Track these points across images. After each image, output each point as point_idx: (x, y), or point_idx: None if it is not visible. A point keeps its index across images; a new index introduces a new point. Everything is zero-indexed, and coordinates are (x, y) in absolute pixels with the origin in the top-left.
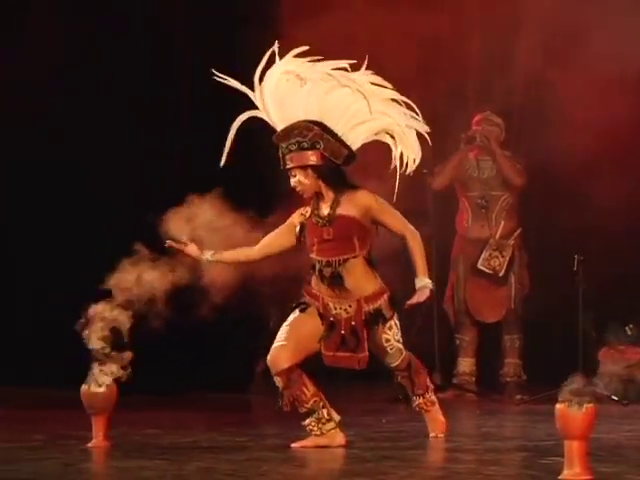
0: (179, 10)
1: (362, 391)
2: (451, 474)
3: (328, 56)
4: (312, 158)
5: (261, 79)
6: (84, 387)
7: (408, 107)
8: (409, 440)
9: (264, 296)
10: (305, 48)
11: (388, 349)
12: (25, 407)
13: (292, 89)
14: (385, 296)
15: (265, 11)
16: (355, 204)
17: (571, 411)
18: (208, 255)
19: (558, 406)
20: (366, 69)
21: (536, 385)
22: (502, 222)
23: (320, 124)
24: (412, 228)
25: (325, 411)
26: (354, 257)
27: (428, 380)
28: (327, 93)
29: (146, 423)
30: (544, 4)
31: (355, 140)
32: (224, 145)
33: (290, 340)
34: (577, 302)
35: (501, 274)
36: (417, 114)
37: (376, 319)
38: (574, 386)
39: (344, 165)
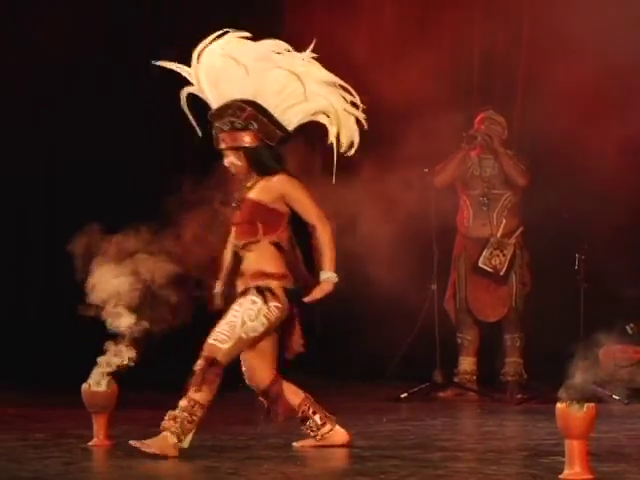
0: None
1: (363, 390)
2: (452, 473)
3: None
4: (245, 139)
5: (200, 58)
6: (85, 386)
7: (346, 91)
8: (410, 439)
9: None
10: (247, 34)
11: (231, 310)
12: (27, 405)
13: (228, 68)
14: (277, 282)
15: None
16: (269, 189)
17: (572, 410)
18: (219, 289)
19: (559, 405)
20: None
21: (537, 384)
22: (503, 221)
23: (254, 104)
24: (325, 220)
25: (317, 416)
26: (256, 242)
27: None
28: (263, 73)
29: (147, 422)
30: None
31: (290, 121)
32: None
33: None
34: (578, 301)
35: (502, 273)
36: (355, 97)
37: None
38: (575, 385)
39: (279, 146)
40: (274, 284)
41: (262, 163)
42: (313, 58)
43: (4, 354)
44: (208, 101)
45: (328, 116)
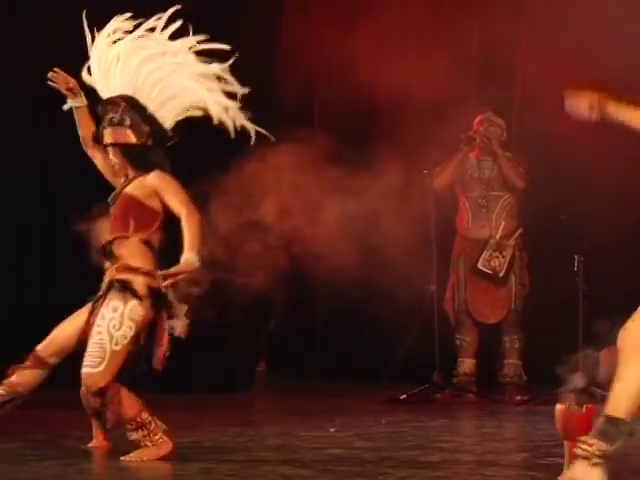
0: None
1: (362, 392)
2: (451, 475)
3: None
4: (120, 135)
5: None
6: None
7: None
8: (409, 441)
9: (265, 297)
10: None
11: (94, 328)
12: (26, 406)
13: (115, 62)
14: (142, 278)
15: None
16: (143, 185)
17: (571, 412)
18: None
19: (558, 407)
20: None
21: (536, 386)
22: (503, 222)
23: (129, 99)
24: (193, 209)
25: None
26: (126, 238)
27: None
28: (139, 66)
29: None
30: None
31: (167, 117)
32: None
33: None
34: (577, 303)
35: (501, 274)
36: (233, 86)
37: (110, 289)
38: (574, 387)
39: (158, 143)
40: (138, 279)
41: (136, 160)
42: (204, 51)
43: (3, 354)
44: (100, 93)
45: (204, 110)
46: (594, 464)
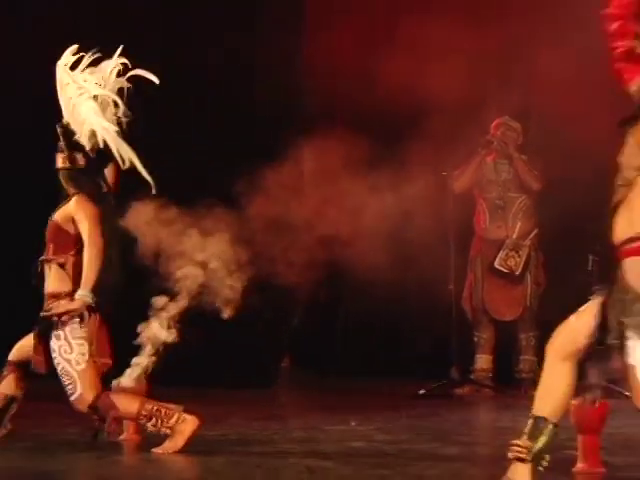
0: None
1: (382, 387)
2: (468, 467)
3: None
4: (58, 161)
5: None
6: (114, 382)
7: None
8: (427, 434)
9: (287, 295)
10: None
11: (55, 363)
12: (60, 400)
13: (63, 89)
14: (62, 301)
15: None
16: (64, 210)
17: (585, 407)
18: None
19: (572, 402)
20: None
21: None
22: (519, 223)
23: (63, 125)
24: (93, 241)
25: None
26: (47, 261)
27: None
28: (66, 93)
29: None
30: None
31: (86, 142)
32: None
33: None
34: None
35: (517, 273)
36: (119, 109)
37: (44, 322)
38: (588, 382)
39: (87, 167)
40: (63, 303)
41: (68, 184)
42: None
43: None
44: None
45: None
46: (523, 462)
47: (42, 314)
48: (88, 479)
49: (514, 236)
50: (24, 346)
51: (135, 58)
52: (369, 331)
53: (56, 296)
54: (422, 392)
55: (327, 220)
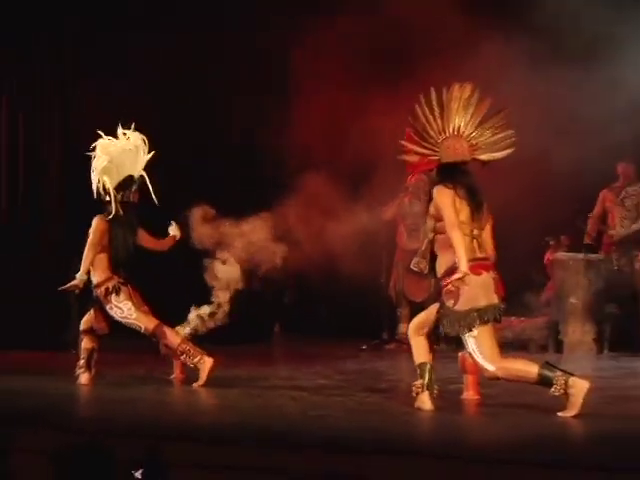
0: None
1: (340, 344)
2: (394, 396)
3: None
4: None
5: None
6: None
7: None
8: (368, 374)
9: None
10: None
11: (122, 323)
12: (128, 353)
13: None
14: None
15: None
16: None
17: (465, 356)
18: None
19: (460, 354)
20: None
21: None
22: (426, 240)
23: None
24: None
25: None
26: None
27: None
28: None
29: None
30: None
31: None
32: None
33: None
34: None
35: (425, 272)
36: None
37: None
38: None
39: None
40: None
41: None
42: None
43: None
44: None
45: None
46: (421, 393)
47: (94, 294)
48: (151, 404)
49: (422, 248)
50: (86, 320)
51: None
52: (334, 311)
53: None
54: (364, 347)
55: (306, 239)
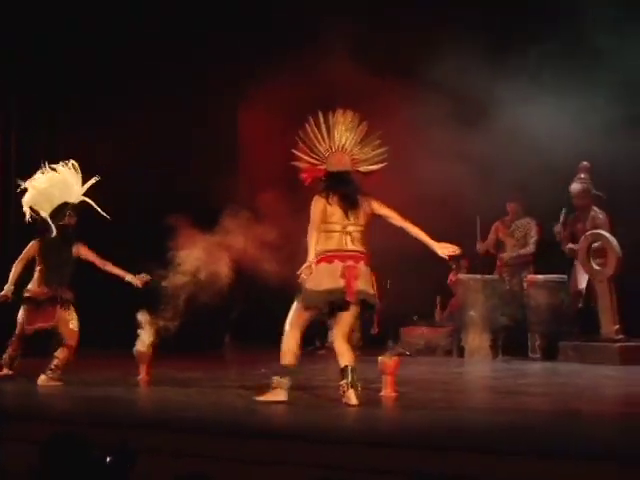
0: None
1: (278, 349)
2: (325, 391)
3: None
4: None
5: None
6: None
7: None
8: (304, 374)
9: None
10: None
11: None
12: (101, 358)
13: None
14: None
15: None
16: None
17: (386, 359)
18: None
19: (380, 358)
20: None
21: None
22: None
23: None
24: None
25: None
26: None
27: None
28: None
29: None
30: None
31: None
32: None
33: None
34: None
35: None
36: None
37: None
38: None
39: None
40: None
41: None
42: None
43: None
44: None
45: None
46: (279, 389)
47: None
48: (122, 400)
49: None
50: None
51: None
52: (272, 318)
53: None
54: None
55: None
